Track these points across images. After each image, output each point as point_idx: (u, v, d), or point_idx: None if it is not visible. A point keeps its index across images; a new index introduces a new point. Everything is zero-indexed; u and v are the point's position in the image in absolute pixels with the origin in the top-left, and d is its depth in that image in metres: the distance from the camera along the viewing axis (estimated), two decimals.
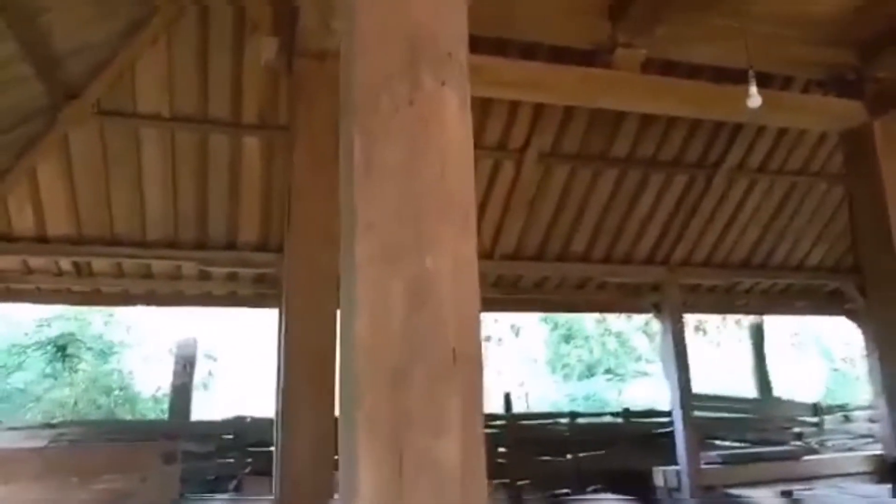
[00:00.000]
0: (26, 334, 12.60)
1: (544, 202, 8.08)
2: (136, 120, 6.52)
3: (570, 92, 5.43)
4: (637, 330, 19.41)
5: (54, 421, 9.48)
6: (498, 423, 9.61)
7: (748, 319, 16.03)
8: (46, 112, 6.11)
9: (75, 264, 7.50)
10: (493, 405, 16.53)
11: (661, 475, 9.30)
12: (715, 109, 5.81)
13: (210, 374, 14.34)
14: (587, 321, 20.00)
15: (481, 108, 7.06)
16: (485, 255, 8.26)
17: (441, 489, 1.67)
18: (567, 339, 20.71)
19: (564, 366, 21.12)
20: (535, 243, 8.44)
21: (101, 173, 6.72)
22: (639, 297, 9.54)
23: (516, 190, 7.84)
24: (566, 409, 13.12)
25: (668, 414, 9.89)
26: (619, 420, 10.65)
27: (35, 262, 7.42)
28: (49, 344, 12.46)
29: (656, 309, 9.45)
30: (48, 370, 12.49)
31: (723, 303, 10.34)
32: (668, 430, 9.72)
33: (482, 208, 7.90)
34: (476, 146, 6.79)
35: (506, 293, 9.11)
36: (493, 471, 9.14)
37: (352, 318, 1.79)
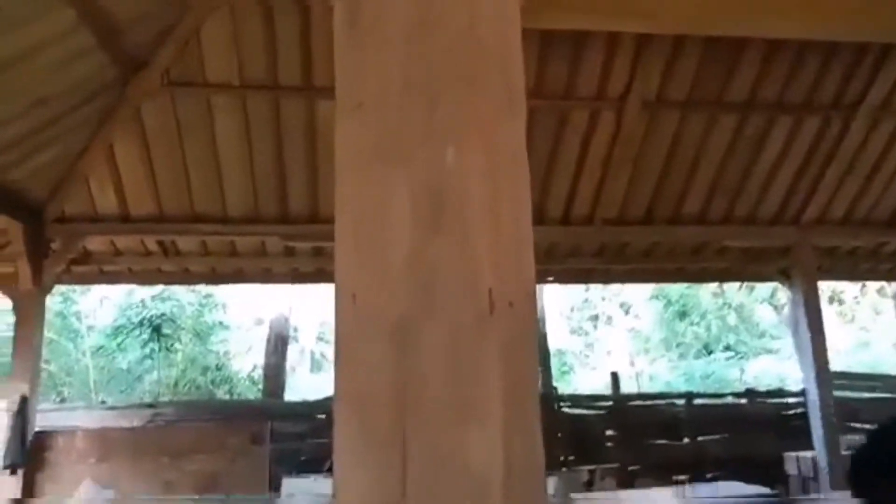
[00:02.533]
0: (126, 317, 13.06)
1: (651, 157, 7.19)
2: (207, 89, 6.25)
3: (681, 17, 4.57)
4: (761, 301, 17.82)
5: (153, 401, 9.61)
6: (604, 404, 8.84)
7: (894, 287, 14.22)
8: (115, 85, 5.92)
9: (160, 244, 7.41)
10: (599, 385, 15.69)
11: (793, 462, 8.25)
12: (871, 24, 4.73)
13: (303, 352, 14.37)
14: (703, 294, 18.61)
15: (574, 50, 6.29)
16: (585, 220, 7.49)
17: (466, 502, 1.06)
18: (682, 315, 19.39)
19: (679, 344, 19.83)
20: (641, 205, 7.55)
21: (176, 148, 6.50)
22: (764, 263, 8.44)
23: (617, 145, 6.99)
24: (682, 389, 12.08)
25: (801, 394, 8.78)
26: (743, 401, 9.61)
27: (122, 242, 7.38)
28: (145, 325, 12.85)
29: (785, 276, 8.32)
30: (147, 351, 12.92)
31: (864, 268, 9.03)
32: (799, 411, 8.62)
33: (578, 168, 7.14)
34: (569, 96, 5.97)
35: (610, 263, 8.30)
36: (601, 455, 8.41)
37: (340, 246, 1.21)
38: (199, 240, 7.34)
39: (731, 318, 18.84)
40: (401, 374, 1.11)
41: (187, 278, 8.47)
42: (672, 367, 18.71)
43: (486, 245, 1.18)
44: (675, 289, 18.39)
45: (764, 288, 16.88)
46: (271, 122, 6.47)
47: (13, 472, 6.43)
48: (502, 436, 1.11)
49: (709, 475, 8.56)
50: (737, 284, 16.55)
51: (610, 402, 8.93)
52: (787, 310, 13.31)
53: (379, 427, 1.09)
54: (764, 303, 17.83)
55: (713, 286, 17.55)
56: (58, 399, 11.77)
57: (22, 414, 6.45)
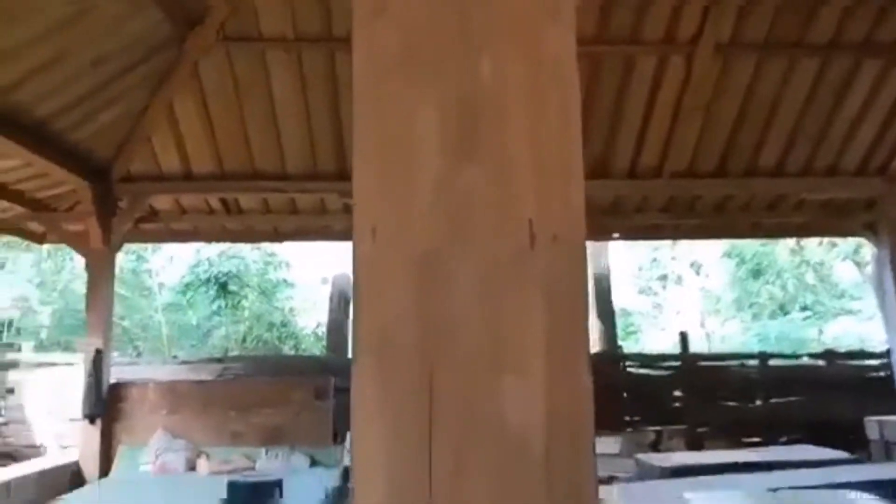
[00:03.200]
0: (194, 274, 13.43)
1: (724, 106, 6.75)
2: (262, 43, 6.18)
3: None
4: (842, 258, 16.89)
5: (222, 356, 9.88)
6: (672, 364, 8.56)
7: None
8: (172, 42, 5.92)
9: (223, 201, 7.49)
10: (667, 347, 15.28)
11: (875, 427, 7.81)
12: None
13: None
14: (779, 252, 17.78)
15: None
16: (653, 173, 7.15)
17: (502, 467, 0.92)
18: (756, 274, 18.61)
19: (752, 304, 19.11)
20: (713, 157, 7.14)
21: (234, 104, 6.50)
22: (847, 218, 7.91)
23: (688, 92, 6.59)
24: (755, 350, 11.62)
25: (884, 355, 8.28)
26: (821, 363, 9.14)
27: (186, 200, 7.50)
28: (212, 282, 13.21)
29: (870, 230, 7.79)
30: (214, 308, 13.31)
31: None
32: (883, 374, 8.14)
33: (646, 117, 6.78)
34: (636, 41, 5.61)
35: (679, 218, 7.94)
36: (668, 416, 8.18)
37: (358, 173, 1.07)
38: (261, 197, 7.38)
39: (809, 277, 17.97)
40: (427, 317, 0.98)
41: (251, 236, 8.59)
42: (745, 328, 18.07)
43: (527, 169, 1.02)
44: (750, 246, 17.64)
45: (846, 244, 15.97)
46: (327, 76, 6.37)
47: (92, 422, 6.72)
48: (544, 387, 0.97)
49: (783, 439, 8.22)
50: (816, 240, 15.73)
51: (678, 362, 8.63)
52: (870, 267, 12.56)
53: (402, 376, 0.96)
54: (846, 259, 16.88)
55: (790, 243, 16.74)
56: (134, 354, 12.30)
57: (97, 367, 6.70)
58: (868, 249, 9.46)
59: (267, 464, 6.43)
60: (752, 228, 8.53)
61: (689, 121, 6.77)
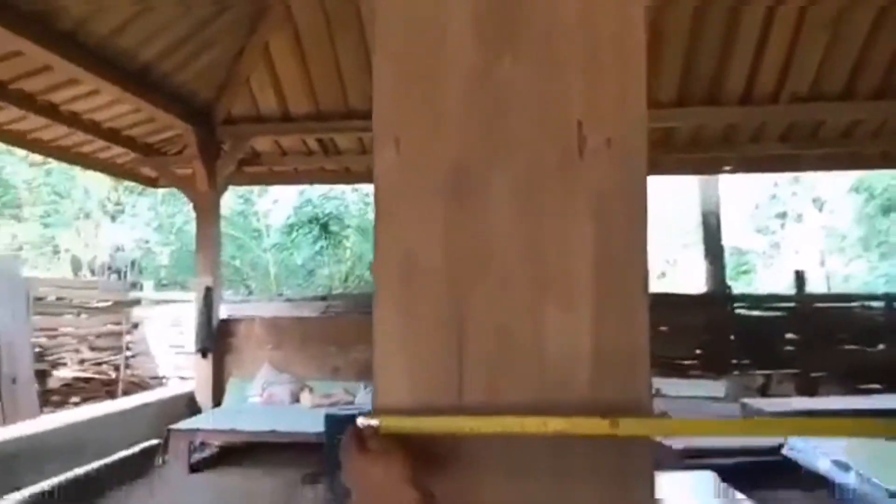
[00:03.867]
0: (297, 216, 13.81)
1: (853, 19, 6.02)
2: None
3: None
4: None
5: (325, 294, 10.18)
6: (786, 305, 8.03)
7: None
8: None
9: (320, 142, 7.57)
10: (783, 288, 14.39)
11: None
12: None
13: None
14: None
15: None
16: (770, 98, 6.54)
17: (539, 405, 0.80)
18: (886, 210, 17.10)
19: (881, 243, 17.64)
20: (840, 77, 6.42)
21: (327, 43, 6.44)
22: None
23: (813, 5, 5.91)
24: (881, 291, 10.72)
25: None
26: None
27: (285, 142, 7.63)
28: (314, 223, 13.53)
29: None
30: (317, 248, 13.68)
31: None
32: None
33: (763, 35, 6.14)
34: None
35: (800, 148, 7.29)
36: (779, 359, 7.71)
37: (378, 74, 0.94)
38: (356, 137, 7.38)
39: None
40: (458, 238, 0.85)
41: (348, 177, 8.68)
42: (871, 269, 16.75)
43: (576, 64, 0.86)
44: (880, 179, 16.19)
45: None
46: None
47: (204, 356, 7.12)
48: (591, 321, 0.83)
49: None
50: None
51: (793, 304, 8.08)
52: None
53: (430, 306, 0.85)
54: None
55: None
56: (246, 292, 12.95)
57: (207, 304, 7.05)
58: None
59: (365, 397, 6.61)
60: (883, 158, 7.71)
61: (813, 38, 6.10)
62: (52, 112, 6.04)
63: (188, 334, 7.60)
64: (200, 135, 6.84)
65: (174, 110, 6.36)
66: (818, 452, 3.54)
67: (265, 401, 6.85)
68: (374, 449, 0.77)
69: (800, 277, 8.23)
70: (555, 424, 0.77)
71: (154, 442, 6.02)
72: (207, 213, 7.12)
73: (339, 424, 4.91)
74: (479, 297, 0.84)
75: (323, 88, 6.82)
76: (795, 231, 20.25)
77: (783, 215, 20.72)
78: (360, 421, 0.80)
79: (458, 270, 0.84)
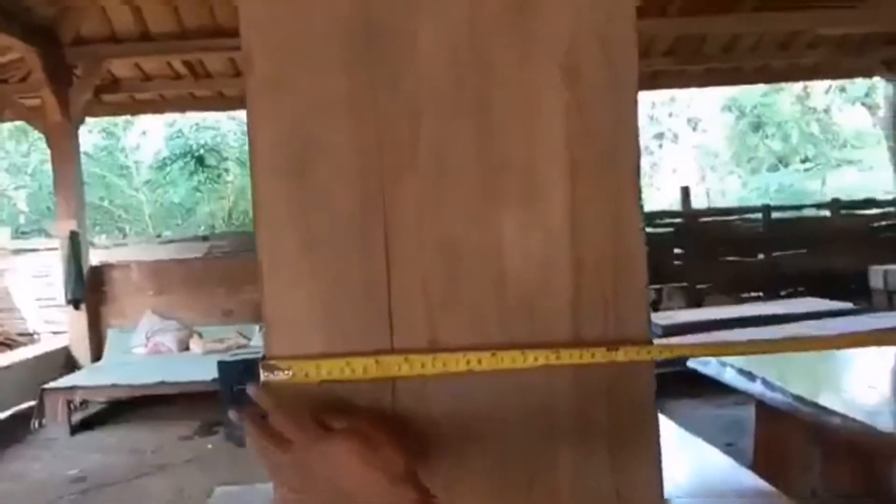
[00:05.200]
0: (169, 149, 12.78)
1: None
2: None
3: None
4: (850, 102, 16.23)
5: (208, 233, 9.56)
6: (673, 220, 8.27)
7: None
8: None
9: (188, 65, 6.87)
10: (664, 206, 15.01)
11: (880, 276, 7.67)
12: None
13: None
14: (782, 102, 17.13)
15: None
16: (657, 12, 6.45)
17: (504, 323, 0.57)
18: (756, 127, 18.07)
19: (751, 159, 18.71)
20: None
21: None
22: (863, 55, 7.33)
23: None
24: (758, 204, 11.35)
25: (892, 203, 8.00)
26: (826, 213, 8.85)
27: (147, 65, 6.88)
28: (189, 156, 12.58)
29: (887, 68, 7.24)
30: (195, 183, 12.79)
31: None
32: (891, 223, 7.92)
33: None
34: None
35: (684, 63, 7.34)
36: (668, 274, 8.00)
37: None
38: (228, 57, 6.73)
39: (814, 127, 17.44)
40: (373, 115, 0.58)
41: (222, 103, 7.98)
42: (743, 184, 17.77)
43: None
44: (750, 98, 16.98)
45: (855, 88, 15.30)
46: None
47: (76, 307, 6.49)
48: (565, 223, 0.59)
49: (784, 292, 8.10)
50: (823, 87, 15.08)
51: (679, 220, 8.34)
52: (883, 110, 12.08)
53: (338, 214, 0.59)
54: (856, 104, 16.20)
55: (796, 90, 16.07)
56: (120, 236, 11.98)
57: (74, 250, 6.38)
58: (882, 91, 8.92)
59: (261, 340, 6.27)
60: (761, 72, 7.95)
61: None
62: None
63: (57, 285, 6.91)
64: (46, 58, 5.98)
65: (7, 28, 5.49)
66: (723, 362, 3.60)
67: (150, 351, 6.37)
68: (340, 428, 0.51)
69: (685, 193, 8.48)
70: (535, 353, 0.54)
71: (28, 404, 5.47)
72: (64, 149, 6.35)
73: (233, 369, 4.60)
74: (406, 196, 0.59)
75: (186, 2, 6.10)
76: (672, 151, 21.13)
77: (661, 136, 21.54)
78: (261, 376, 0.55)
79: (375, 160, 0.58)
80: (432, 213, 0.59)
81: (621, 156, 0.61)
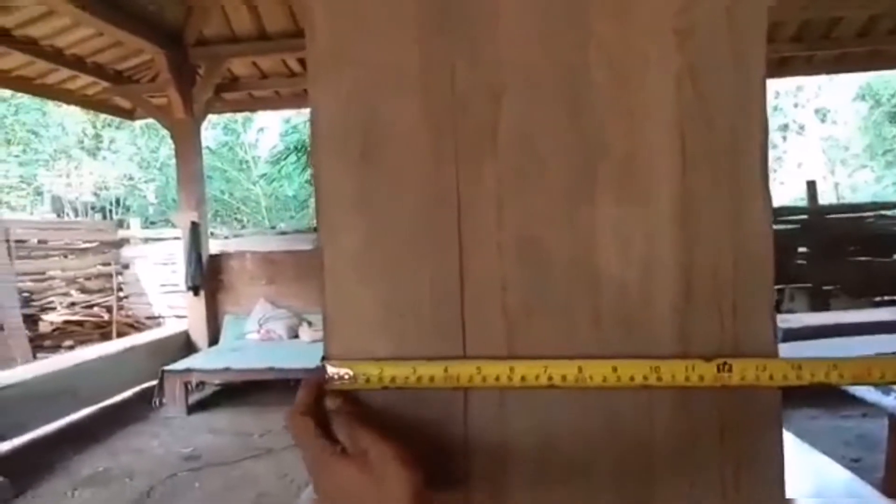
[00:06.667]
0: (284, 143, 13.26)
1: None
2: None
3: None
4: None
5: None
6: (796, 217, 7.71)
7: None
8: None
9: (302, 62, 7.07)
10: (788, 202, 14.07)
11: None
12: None
13: None
14: None
15: None
16: None
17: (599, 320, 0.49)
18: (893, 117, 16.64)
19: (887, 151, 17.25)
20: None
21: None
22: None
23: None
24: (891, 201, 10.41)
25: None
26: None
27: (264, 64, 7.15)
28: (301, 151, 12.98)
29: None
30: (307, 177, 13.19)
31: None
32: None
33: None
34: None
35: (814, 48, 6.82)
36: (791, 274, 7.47)
37: None
38: None
39: None
40: (448, 91, 0.52)
41: None
42: (878, 178, 16.40)
43: None
44: (887, 86, 15.65)
45: None
46: None
47: (196, 293, 6.85)
48: (675, 219, 0.50)
49: None
50: None
51: (803, 216, 7.76)
52: None
53: (408, 201, 0.52)
54: None
55: None
56: (238, 227, 12.59)
57: (194, 239, 6.73)
58: None
59: None
60: None
61: None
62: (4, 38, 5.55)
63: (180, 273, 7.33)
64: (172, 59, 6.35)
65: (141, 32, 5.86)
66: None
67: (262, 337, 6.63)
68: (360, 453, 0.47)
69: (811, 188, 7.89)
70: (631, 371, 0.46)
71: (151, 384, 5.83)
72: (187, 143, 6.71)
73: None
74: (484, 186, 0.51)
75: (300, 2, 6.28)
76: (798, 143, 19.87)
77: (785, 128, 20.31)
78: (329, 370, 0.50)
79: (450, 144, 0.52)
80: (514, 205, 0.51)
81: (745, 139, 0.51)
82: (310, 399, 0.51)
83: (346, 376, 0.50)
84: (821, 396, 4.35)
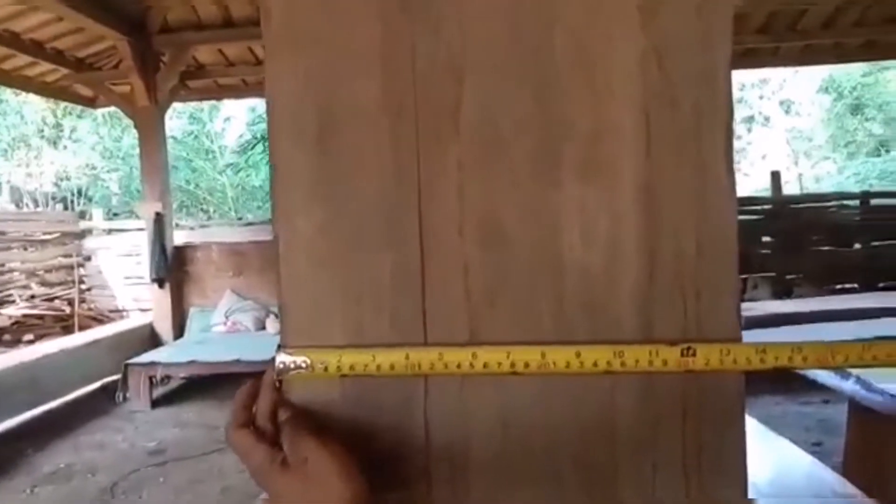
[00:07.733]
0: (251, 132, 13.09)
1: None
2: None
3: None
4: None
5: None
6: (760, 207, 7.84)
7: None
8: None
9: None
10: (752, 192, 14.32)
11: None
12: None
13: None
14: (887, 82, 16.03)
15: None
16: None
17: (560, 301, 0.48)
18: (855, 109, 17.00)
19: (849, 143, 17.64)
20: None
21: None
22: None
23: None
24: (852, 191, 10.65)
25: None
26: None
27: (230, 51, 7.02)
28: (266, 140, 12.68)
29: None
30: None
31: None
32: None
33: None
34: None
35: (778, 40, 6.91)
36: (755, 263, 7.60)
37: None
38: None
39: None
40: (408, 64, 0.50)
41: None
42: (840, 169, 16.76)
43: None
44: (850, 79, 15.98)
45: None
46: None
47: (160, 286, 6.74)
48: (638, 197, 0.49)
49: (882, 285, 7.57)
50: None
51: (768, 206, 7.89)
52: None
53: (365, 182, 0.51)
54: None
55: None
56: (204, 217, 12.40)
57: (158, 231, 6.61)
58: None
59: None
60: (865, 49, 7.39)
61: None
62: None
63: (144, 264, 7.19)
64: (136, 46, 6.20)
65: (102, 19, 5.70)
66: None
67: (229, 329, 6.55)
68: (300, 461, 0.47)
69: (775, 178, 8.03)
70: (595, 356, 0.45)
71: (114, 378, 5.71)
72: (151, 133, 6.57)
73: None
74: (446, 168, 0.50)
75: None
76: (763, 135, 20.20)
77: (750, 119, 20.62)
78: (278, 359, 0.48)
79: (411, 125, 0.50)
80: (477, 188, 0.50)
81: (710, 119, 0.50)
82: (246, 408, 0.50)
83: (304, 364, 0.48)
84: (783, 383, 4.43)
